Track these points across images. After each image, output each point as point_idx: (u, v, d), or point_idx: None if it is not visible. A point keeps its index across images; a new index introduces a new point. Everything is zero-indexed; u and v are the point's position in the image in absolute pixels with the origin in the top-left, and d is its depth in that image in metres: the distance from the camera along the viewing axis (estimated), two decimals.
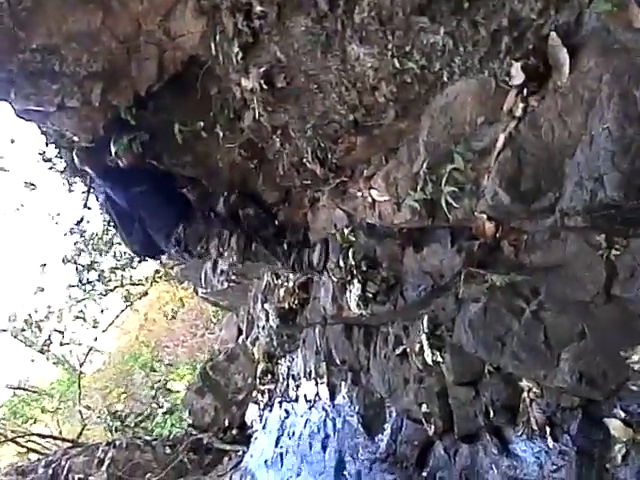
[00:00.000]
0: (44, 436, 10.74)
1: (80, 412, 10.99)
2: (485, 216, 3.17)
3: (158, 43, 4.03)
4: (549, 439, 2.96)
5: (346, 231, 4.22)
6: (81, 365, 11.95)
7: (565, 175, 2.61)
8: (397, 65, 3.10)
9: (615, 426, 2.68)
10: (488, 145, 2.96)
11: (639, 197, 2.30)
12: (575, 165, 2.55)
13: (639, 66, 2.34)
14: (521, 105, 2.76)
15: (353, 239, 4.16)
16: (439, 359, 3.63)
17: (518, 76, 2.72)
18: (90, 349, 12.14)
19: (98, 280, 10.39)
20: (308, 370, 5.57)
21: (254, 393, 7.26)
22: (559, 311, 2.99)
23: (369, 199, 3.87)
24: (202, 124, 4.43)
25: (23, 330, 11.09)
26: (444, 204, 3.23)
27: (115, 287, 10.96)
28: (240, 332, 7.93)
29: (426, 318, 3.74)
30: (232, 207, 4.89)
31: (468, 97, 3.05)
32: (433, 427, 3.67)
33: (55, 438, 10.75)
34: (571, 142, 2.59)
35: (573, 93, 2.59)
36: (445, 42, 2.91)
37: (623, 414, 2.68)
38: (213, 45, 3.76)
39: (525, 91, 2.74)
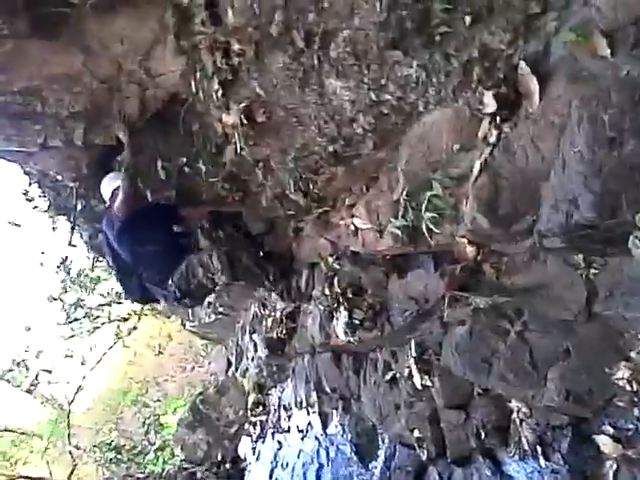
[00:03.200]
0: (33, 478, 10.53)
1: (70, 452, 10.80)
2: (466, 240, 3.24)
3: (139, 82, 4.09)
4: (541, 458, 2.98)
5: (330, 259, 4.26)
6: (70, 404, 11.77)
7: (541, 198, 2.68)
8: (373, 97, 3.19)
9: (605, 442, 2.71)
10: (465, 171, 3.04)
11: (613, 217, 2.37)
12: (550, 188, 2.62)
13: (606, 92, 2.43)
14: (495, 132, 2.84)
15: (338, 267, 4.21)
16: (428, 383, 3.66)
17: (490, 104, 2.81)
18: (79, 387, 11.97)
19: (85, 317, 10.31)
20: (299, 400, 5.56)
21: (246, 425, 7.20)
22: (543, 331, 3.04)
23: (352, 227, 3.92)
24: (185, 160, 4.49)
25: (10, 370, 10.94)
26: (425, 230, 3.29)
27: (103, 323, 10.87)
28: (229, 364, 7.89)
29: (413, 343, 3.77)
30: (209, 231, 4.76)
31: (444, 126, 3.14)
32: (426, 452, 3.67)
33: None
34: (545, 166, 2.67)
35: (544, 119, 2.68)
36: (419, 74, 3.00)
37: (612, 430, 2.70)
38: (193, 83, 3.83)
39: (498, 118, 2.82)
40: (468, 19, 2.76)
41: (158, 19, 3.69)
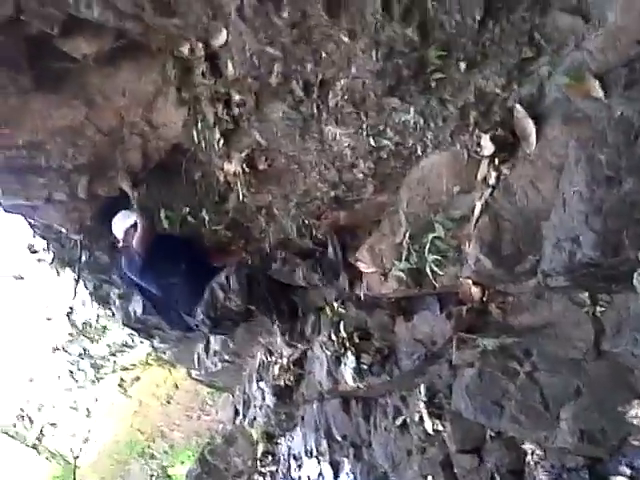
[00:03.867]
0: None
1: None
2: (470, 281, 3.24)
3: (141, 134, 4.15)
4: None
5: (336, 304, 4.24)
6: (76, 458, 11.58)
7: (543, 238, 2.70)
8: (373, 143, 3.25)
9: None
10: (466, 213, 3.06)
11: (616, 254, 2.38)
12: (551, 228, 2.64)
13: (601, 132, 2.47)
14: (494, 174, 2.88)
15: (343, 311, 4.19)
16: (440, 428, 3.60)
17: (488, 147, 2.85)
18: (85, 440, 11.80)
19: (90, 367, 10.25)
20: (309, 448, 5.45)
21: (255, 476, 7.03)
22: (552, 370, 3.01)
23: (356, 271, 3.93)
24: (188, 209, 4.52)
25: (14, 425, 10.81)
26: (429, 272, 3.30)
27: (107, 374, 10.78)
28: (237, 413, 7.75)
29: (423, 387, 3.73)
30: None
31: (443, 168, 3.18)
32: None
33: None
34: (545, 206, 2.69)
35: (542, 160, 2.72)
36: (416, 119, 3.07)
37: (629, 471, 2.66)
38: (195, 133, 3.89)
39: (496, 160, 2.86)
40: (463, 65, 2.83)
41: (159, 71, 3.78)
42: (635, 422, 2.61)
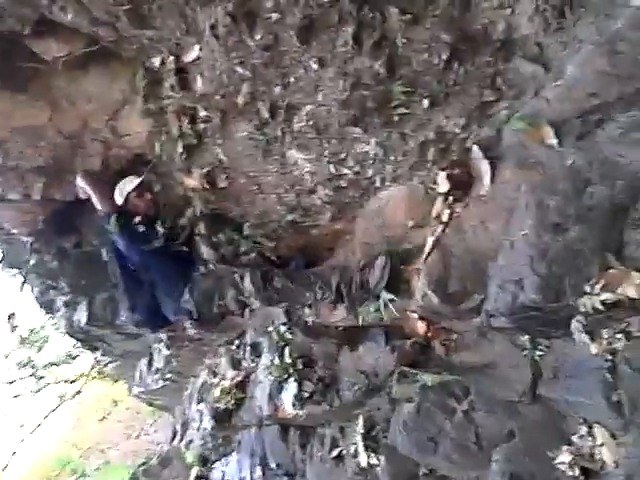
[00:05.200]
0: None
1: None
2: (416, 315, 3.27)
3: (104, 141, 4.09)
4: None
5: (283, 329, 4.22)
6: (3, 469, 11.08)
7: (489, 278, 2.74)
8: (333, 170, 3.28)
9: None
10: (418, 247, 3.10)
11: (557, 300, 2.44)
12: (497, 268, 2.69)
13: (552, 179, 2.56)
14: (447, 211, 2.94)
15: (290, 337, 4.16)
16: (374, 462, 3.57)
17: (444, 184, 2.92)
18: (13, 453, 11.31)
19: (31, 376, 9.88)
20: (243, 475, 5.33)
21: None
22: (489, 411, 3.04)
23: None
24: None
25: None
26: None
27: (48, 385, 10.41)
28: (175, 434, 7.58)
29: (361, 419, 3.71)
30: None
31: (399, 202, 3.23)
32: None
33: None
34: (493, 246, 2.75)
35: (494, 201, 2.78)
36: (377, 151, 3.12)
37: None
38: (158, 145, 3.86)
39: (451, 198, 2.92)
40: (426, 102, 2.90)
41: (128, 80, 3.75)
42: (563, 468, 2.64)
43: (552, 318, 2.57)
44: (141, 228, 3.97)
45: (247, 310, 4.25)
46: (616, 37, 2.47)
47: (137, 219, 3.94)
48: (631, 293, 2.17)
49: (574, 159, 2.51)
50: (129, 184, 4.03)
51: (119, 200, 4.03)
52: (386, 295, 3.28)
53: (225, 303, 3.93)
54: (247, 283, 3.83)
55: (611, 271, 2.27)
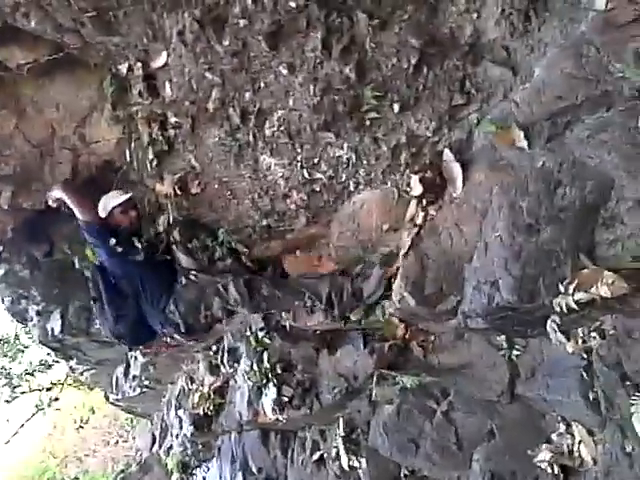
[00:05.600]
0: None
1: None
2: (395, 318, 3.28)
3: (72, 148, 4.03)
4: None
5: (261, 334, 4.19)
6: None
7: (465, 279, 2.76)
8: (306, 175, 3.27)
9: None
10: (393, 250, 3.11)
11: (532, 300, 2.46)
12: (472, 270, 2.71)
13: (524, 180, 2.58)
14: (421, 214, 2.95)
15: (268, 342, 4.14)
16: (356, 464, 3.60)
17: (417, 188, 2.93)
18: None
19: (5, 386, 9.71)
20: None
21: None
22: (468, 411, 3.07)
23: None
24: None
25: None
26: None
27: (23, 393, 10.24)
28: (154, 440, 7.51)
29: (342, 421, 3.72)
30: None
31: (373, 205, 3.24)
32: None
33: None
34: (468, 248, 2.77)
35: (467, 204, 2.80)
36: (349, 155, 3.12)
37: None
38: (128, 152, 3.80)
39: (424, 201, 2.94)
40: (397, 106, 2.91)
41: (96, 87, 3.69)
42: (543, 466, 2.68)
43: (527, 318, 2.60)
44: (119, 249, 3.84)
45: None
46: (581, 40, 2.51)
47: (112, 241, 3.81)
48: (604, 292, 2.19)
49: (544, 161, 2.54)
50: (114, 199, 3.90)
51: (102, 213, 3.91)
52: (388, 305, 3.25)
53: (212, 312, 3.85)
54: (232, 292, 3.75)
55: (584, 271, 2.29)
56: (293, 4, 2.73)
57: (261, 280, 3.83)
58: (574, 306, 2.28)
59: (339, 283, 3.55)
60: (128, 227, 3.91)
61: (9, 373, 9.43)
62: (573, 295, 2.28)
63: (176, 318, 3.86)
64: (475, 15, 2.78)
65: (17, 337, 8.79)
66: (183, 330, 3.92)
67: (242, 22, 2.84)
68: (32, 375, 9.68)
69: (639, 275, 2.19)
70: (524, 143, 2.64)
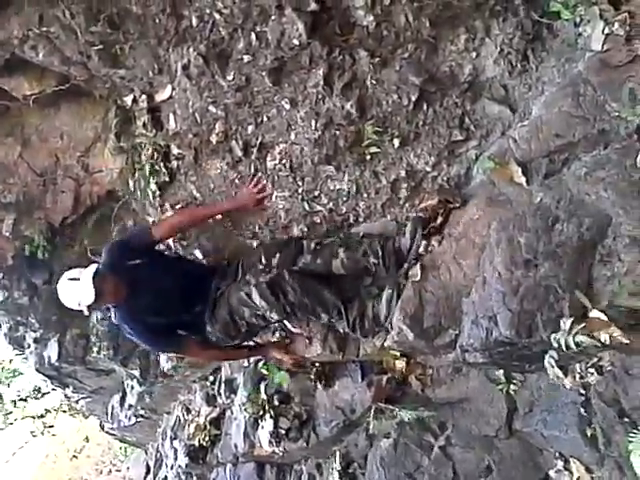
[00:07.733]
0: None
1: None
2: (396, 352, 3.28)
3: (75, 177, 4.07)
4: None
5: (259, 365, 4.18)
6: None
7: (463, 313, 2.77)
8: (307, 207, 3.31)
9: None
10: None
11: (530, 335, 2.46)
12: (471, 304, 2.72)
13: (522, 216, 2.61)
14: (424, 242, 2.96)
15: (266, 372, 4.13)
16: None
17: None
18: None
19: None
20: None
21: None
22: (466, 446, 3.05)
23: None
24: None
25: None
26: None
27: (16, 420, 10.13)
28: (148, 471, 7.42)
29: (338, 455, 3.69)
30: None
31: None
32: None
33: None
34: (466, 282, 2.78)
35: (466, 238, 2.82)
36: (350, 189, 3.16)
37: None
38: (131, 182, 3.84)
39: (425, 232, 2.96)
40: (396, 141, 2.96)
41: (100, 118, 3.76)
42: None
43: (525, 353, 2.59)
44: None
45: None
46: (578, 80, 2.57)
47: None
48: (604, 339, 2.19)
49: (542, 197, 2.57)
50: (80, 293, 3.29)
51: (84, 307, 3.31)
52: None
53: (247, 321, 3.55)
54: (257, 300, 3.47)
55: (594, 317, 2.27)
56: (296, 41, 2.79)
57: (284, 284, 3.46)
58: (573, 347, 2.28)
59: (362, 307, 3.35)
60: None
61: (2, 400, 9.36)
62: (575, 336, 2.28)
63: (216, 337, 3.64)
64: (474, 54, 2.86)
65: (11, 362, 8.72)
66: (229, 343, 3.71)
67: (246, 58, 2.91)
68: (25, 401, 9.60)
69: (636, 313, 2.20)
70: (522, 179, 2.69)
